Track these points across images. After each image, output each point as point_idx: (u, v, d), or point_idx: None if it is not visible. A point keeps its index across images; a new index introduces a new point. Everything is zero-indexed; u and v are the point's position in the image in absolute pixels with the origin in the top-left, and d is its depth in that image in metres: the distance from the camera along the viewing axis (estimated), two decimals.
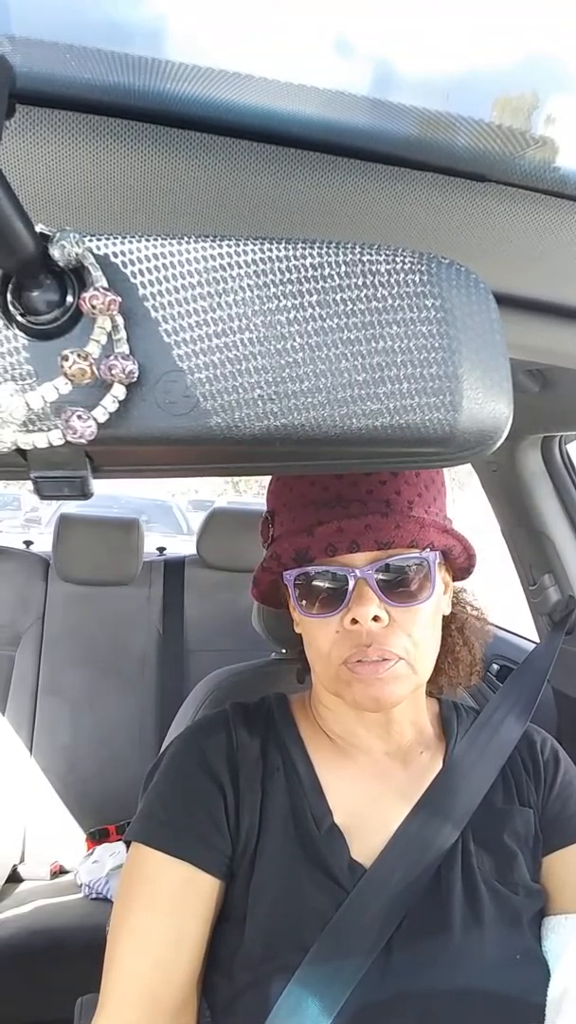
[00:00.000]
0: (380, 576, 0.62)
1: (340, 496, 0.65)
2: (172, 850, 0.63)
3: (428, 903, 0.64)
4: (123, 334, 0.30)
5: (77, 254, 0.29)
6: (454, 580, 0.74)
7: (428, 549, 0.65)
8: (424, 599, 0.64)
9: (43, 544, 2.26)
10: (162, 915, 0.62)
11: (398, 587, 0.63)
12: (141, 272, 0.30)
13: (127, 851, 0.67)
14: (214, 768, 0.67)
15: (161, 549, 2.57)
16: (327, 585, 0.64)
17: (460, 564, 0.72)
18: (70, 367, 0.28)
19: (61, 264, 0.29)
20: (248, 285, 0.31)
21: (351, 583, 0.62)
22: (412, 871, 0.64)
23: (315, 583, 0.65)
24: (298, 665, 0.82)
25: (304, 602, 0.65)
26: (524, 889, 0.66)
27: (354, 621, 0.62)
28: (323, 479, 0.66)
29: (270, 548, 0.70)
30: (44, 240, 0.29)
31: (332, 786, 0.68)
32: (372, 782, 0.70)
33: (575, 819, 0.71)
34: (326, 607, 0.64)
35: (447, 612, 0.72)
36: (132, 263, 0.30)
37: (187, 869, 0.63)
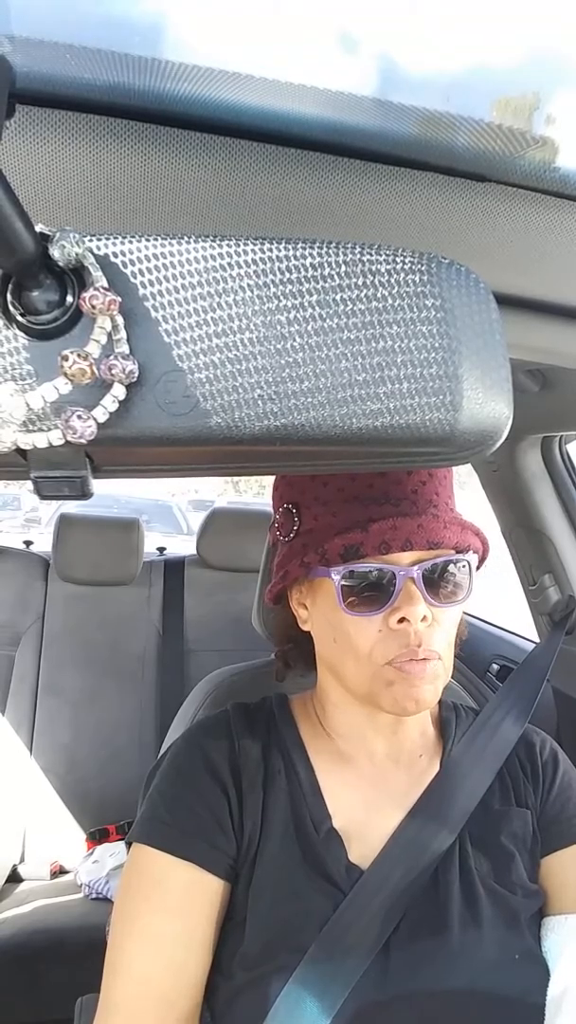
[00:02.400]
0: (427, 576, 0.63)
1: (387, 494, 0.65)
2: (177, 851, 0.63)
3: (426, 905, 0.64)
4: (123, 334, 0.30)
5: (77, 254, 0.29)
6: None
7: (468, 551, 0.66)
8: (462, 599, 0.65)
9: (43, 544, 2.26)
10: (171, 917, 0.61)
11: (441, 587, 0.64)
12: (141, 272, 0.30)
13: (128, 852, 0.67)
14: (217, 769, 0.67)
15: (161, 549, 2.57)
16: (374, 584, 0.63)
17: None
18: (70, 367, 0.28)
19: (61, 264, 0.29)
20: (248, 285, 0.31)
21: (399, 582, 0.62)
22: (409, 873, 0.64)
23: (362, 580, 0.63)
24: (280, 664, 0.81)
25: (346, 600, 0.64)
26: (522, 889, 0.66)
27: (400, 620, 0.62)
28: (362, 475, 0.66)
29: (297, 541, 0.68)
30: (44, 240, 0.29)
31: (331, 790, 0.68)
32: (371, 786, 0.70)
33: (574, 820, 0.71)
34: (370, 606, 0.63)
35: None
36: (132, 263, 0.30)
37: (193, 871, 0.62)
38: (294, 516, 0.70)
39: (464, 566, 0.66)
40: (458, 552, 0.65)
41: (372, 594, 0.63)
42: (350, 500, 0.65)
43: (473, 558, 0.67)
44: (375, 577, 0.63)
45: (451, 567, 0.65)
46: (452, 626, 0.66)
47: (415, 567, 0.62)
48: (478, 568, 0.74)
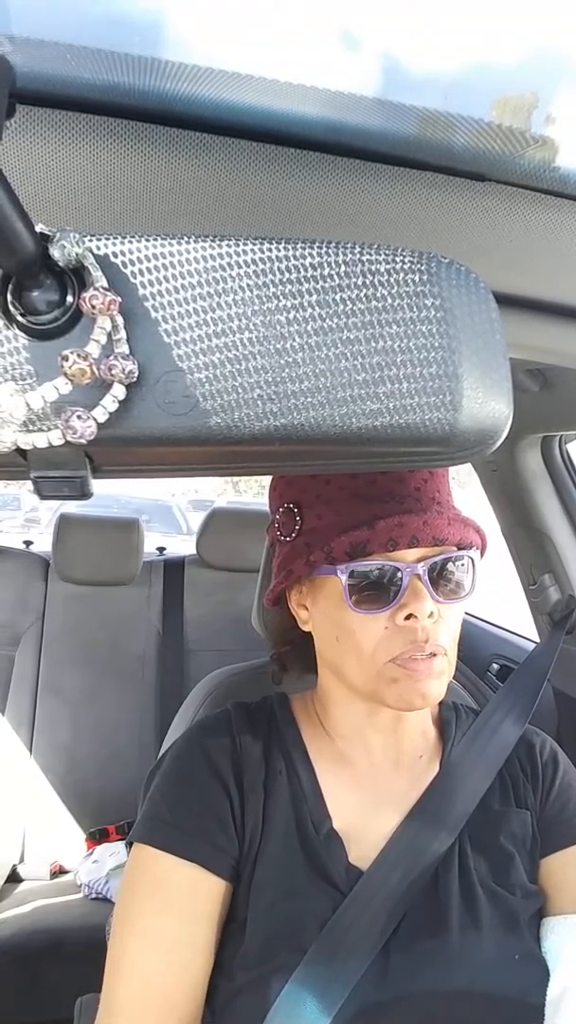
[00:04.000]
0: (432, 572, 0.63)
1: (391, 491, 0.65)
2: (179, 851, 0.63)
3: (426, 906, 0.64)
4: (123, 334, 0.30)
5: (77, 254, 0.29)
6: None
7: (472, 547, 0.67)
8: (465, 595, 0.66)
9: (43, 544, 2.26)
10: (175, 918, 0.61)
11: (445, 583, 0.65)
12: (141, 272, 0.30)
13: (128, 852, 0.67)
14: (219, 769, 0.67)
15: (161, 549, 2.57)
16: (380, 581, 0.63)
17: None
18: (70, 367, 0.28)
19: (61, 264, 0.29)
20: (248, 285, 0.31)
21: (405, 579, 0.62)
22: (409, 874, 0.64)
23: (368, 578, 0.63)
24: (275, 667, 0.81)
25: (352, 598, 0.64)
26: (521, 890, 0.66)
27: (408, 617, 0.62)
28: (364, 473, 0.66)
29: (300, 540, 0.68)
30: (44, 240, 0.29)
31: (332, 791, 0.68)
32: (371, 787, 0.70)
33: (574, 821, 0.71)
34: (376, 604, 0.63)
35: None
36: (132, 263, 0.31)
37: (196, 871, 0.62)
38: (296, 515, 0.70)
39: (467, 562, 0.66)
40: (460, 548, 0.66)
41: (378, 591, 0.63)
42: (354, 498, 0.65)
43: (476, 554, 0.67)
44: (382, 574, 0.63)
45: (455, 563, 0.65)
46: (457, 622, 0.66)
47: (421, 564, 0.62)
48: None
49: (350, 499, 0.65)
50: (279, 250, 0.31)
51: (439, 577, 0.64)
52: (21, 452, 0.30)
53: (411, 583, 0.62)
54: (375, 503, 0.64)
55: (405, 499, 0.64)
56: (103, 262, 0.30)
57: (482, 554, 0.71)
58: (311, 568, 0.66)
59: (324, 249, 0.32)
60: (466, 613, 0.71)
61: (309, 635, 0.72)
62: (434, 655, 0.62)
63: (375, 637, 0.63)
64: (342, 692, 0.70)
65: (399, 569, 0.62)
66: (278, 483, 0.74)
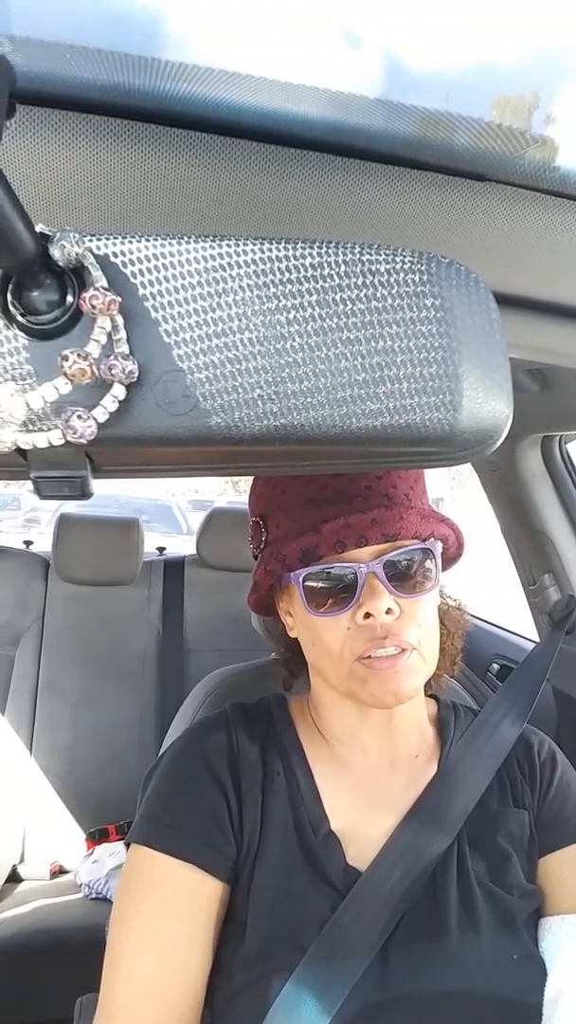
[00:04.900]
0: (388, 569, 0.63)
1: (341, 492, 0.65)
2: (177, 852, 0.63)
3: (424, 906, 0.64)
4: (123, 334, 0.30)
5: (77, 254, 0.29)
6: (443, 569, 0.74)
7: (431, 539, 0.66)
8: (430, 588, 0.66)
9: (43, 544, 2.26)
10: (173, 918, 0.61)
11: (406, 578, 0.64)
12: (141, 272, 0.30)
13: (127, 852, 0.67)
14: (216, 770, 0.67)
15: (161, 549, 2.57)
16: (336, 582, 0.64)
17: (451, 554, 0.74)
18: (70, 367, 0.28)
19: (61, 264, 0.29)
20: (248, 285, 0.31)
21: (360, 578, 0.63)
22: (408, 875, 0.64)
23: (324, 581, 0.64)
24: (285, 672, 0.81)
25: (313, 602, 0.65)
26: (519, 890, 0.66)
27: (367, 616, 0.62)
28: (319, 478, 0.66)
29: (266, 551, 0.69)
30: (44, 240, 0.29)
31: (329, 793, 0.68)
32: (368, 788, 0.70)
33: (572, 821, 0.71)
34: (336, 605, 0.64)
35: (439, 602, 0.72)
36: (132, 263, 0.30)
37: (193, 872, 0.62)
38: (261, 528, 0.72)
39: (427, 554, 0.66)
40: (422, 542, 0.65)
41: (336, 594, 0.64)
42: (306, 504, 0.66)
43: (437, 546, 0.67)
44: (336, 576, 0.64)
45: (414, 556, 0.65)
46: (427, 616, 0.65)
47: (375, 561, 0.63)
48: (458, 557, 0.74)
49: (304, 505, 0.66)
50: (279, 250, 0.31)
51: (400, 572, 0.64)
52: (21, 452, 0.30)
53: (367, 581, 0.63)
54: (324, 506, 0.65)
55: (354, 499, 0.65)
56: (103, 262, 0.30)
57: (459, 548, 0.72)
58: (272, 577, 0.68)
59: (324, 249, 0.32)
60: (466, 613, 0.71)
61: None
62: (403, 651, 0.62)
63: (340, 638, 0.64)
64: (331, 695, 0.70)
65: (354, 570, 0.63)
66: (250, 497, 0.76)
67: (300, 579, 0.65)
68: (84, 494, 0.33)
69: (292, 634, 0.72)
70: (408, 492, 0.67)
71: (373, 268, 0.32)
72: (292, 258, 0.31)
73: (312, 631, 0.66)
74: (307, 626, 0.67)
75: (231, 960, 0.62)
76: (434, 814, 0.67)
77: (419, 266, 0.32)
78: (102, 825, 1.85)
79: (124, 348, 0.30)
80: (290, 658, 0.79)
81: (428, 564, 0.66)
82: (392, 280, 0.32)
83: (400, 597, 0.63)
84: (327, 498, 0.65)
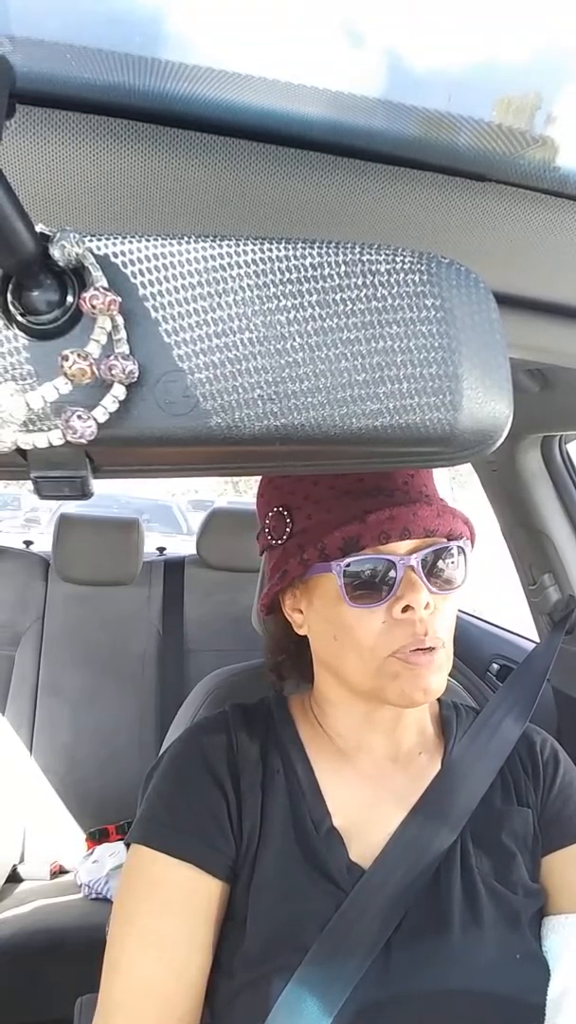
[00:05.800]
0: (425, 564, 0.63)
1: (379, 486, 0.65)
2: (176, 852, 0.63)
3: (427, 904, 0.64)
4: (123, 334, 0.30)
5: (77, 254, 0.29)
6: None
7: (462, 538, 0.67)
8: (459, 585, 0.66)
9: (43, 544, 2.26)
10: (173, 918, 0.61)
11: (440, 574, 0.65)
12: (141, 272, 0.30)
13: (127, 852, 0.67)
14: (216, 770, 0.67)
15: (161, 549, 2.57)
16: (374, 575, 0.63)
17: None
18: (70, 367, 0.28)
19: (61, 264, 0.29)
20: (248, 285, 0.31)
21: (400, 571, 0.62)
22: (411, 873, 0.64)
23: (364, 573, 0.63)
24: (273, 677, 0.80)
25: (349, 594, 0.64)
26: (523, 889, 0.66)
27: (405, 609, 0.62)
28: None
29: (291, 542, 0.68)
30: (44, 240, 0.29)
31: (331, 789, 0.68)
32: (371, 785, 0.70)
33: (575, 819, 0.71)
34: (370, 598, 0.63)
35: None
36: (132, 263, 0.30)
37: (193, 871, 0.62)
38: (286, 518, 0.70)
39: (459, 553, 0.67)
40: (450, 540, 0.66)
41: (374, 585, 0.63)
42: (343, 495, 0.66)
43: (466, 545, 0.68)
44: (376, 568, 0.63)
45: (447, 554, 0.66)
46: (452, 614, 0.66)
47: (414, 556, 0.63)
48: None
49: (340, 496, 0.66)
50: (279, 250, 0.31)
51: (432, 568, 0.64)
52: (21, 452, 0.30)
53: (406, 575, 0.63)
54: (365, 498, 0.65)
55: (394, 493, 0.65)
56: (103, 262, 0.30)
57: (472, 545, 0.72)
58: (305, 567, 0.66)
59: (324, 249, 0.32)
60: (466, 613, 0.72)
61: (304, 643, 0.72)
62: (433, 648, 0.63)
63: (374, 632, 0.63)
64: (340, 694, 0.70)
65: (393, 561, 0.63)
66: (265, 489, 0.75)
67: (341, 569, 0.63)
68: (84, 494, 0.33)
69: (301, 632, 0.71)
70: (436, 491, 0.69)
71: (373, 268, 0.32)
72: (292, 258, 0.31)
73: (339, 625, 0.65)
74: (332, 621, 0.66)
75: (232, 959, 0.62)
76: (438, 810, 0.67)
77: (419, 266, 0.32)
78: (102, 825, 1.85)
79: (124, 348, 0.30)
80: (281, 661, 0.78)
81: (460, 562, 0.66)
82: (392, 280, 0.32)
83: (434, 593, 0.63)
84: (366, 490, 0.65)
